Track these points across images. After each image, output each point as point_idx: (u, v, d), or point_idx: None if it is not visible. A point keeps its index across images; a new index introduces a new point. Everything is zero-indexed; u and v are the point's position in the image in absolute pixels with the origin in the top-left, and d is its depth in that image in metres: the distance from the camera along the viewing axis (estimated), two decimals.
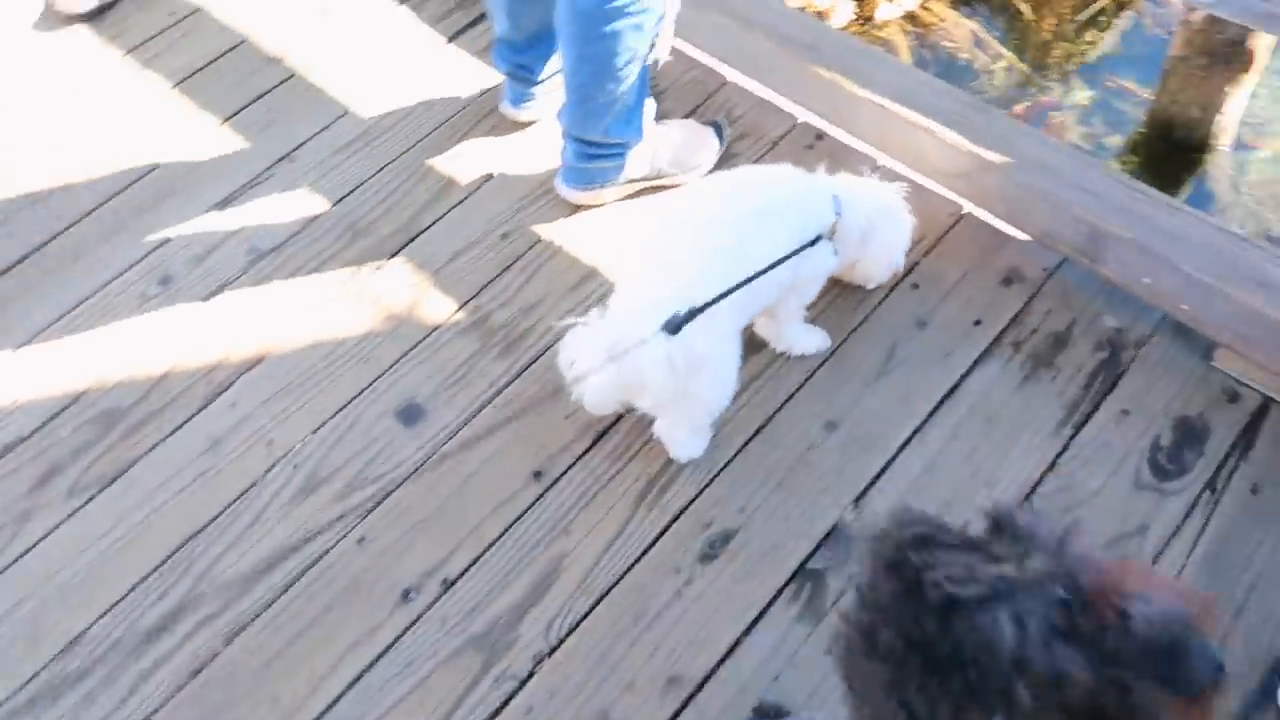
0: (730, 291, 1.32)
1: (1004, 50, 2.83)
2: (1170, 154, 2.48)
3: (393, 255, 1.85)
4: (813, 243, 1.47)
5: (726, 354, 1.43)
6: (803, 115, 1.99)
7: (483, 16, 2.22)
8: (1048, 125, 2.78)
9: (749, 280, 1.35)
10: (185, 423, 1.66)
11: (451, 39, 2.21)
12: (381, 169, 1.99)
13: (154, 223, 1.94)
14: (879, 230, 1.59)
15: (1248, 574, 1.43)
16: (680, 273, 1.37)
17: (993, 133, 1.72)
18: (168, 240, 1.91)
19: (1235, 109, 2.30)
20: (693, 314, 1.28)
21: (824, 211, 1.51)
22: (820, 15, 2.78)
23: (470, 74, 2.12)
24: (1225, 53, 2.13)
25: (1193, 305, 1.57)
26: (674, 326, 1.27)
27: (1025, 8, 2.87)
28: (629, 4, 1.57)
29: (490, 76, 2.10)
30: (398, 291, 1.80)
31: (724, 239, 1.40)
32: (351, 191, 1.96)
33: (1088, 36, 2.86)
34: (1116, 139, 2.75)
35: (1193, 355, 1.63)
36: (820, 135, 1.97)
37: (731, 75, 2.08)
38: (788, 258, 1.42)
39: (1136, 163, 2.60)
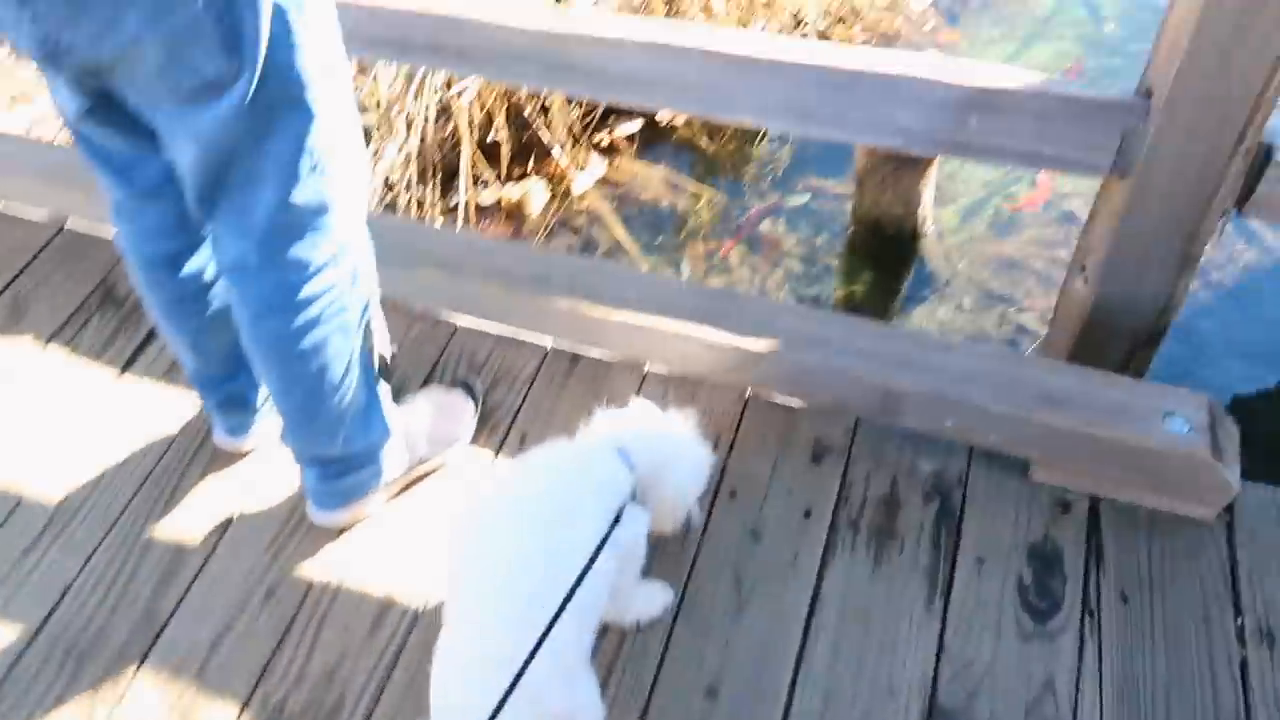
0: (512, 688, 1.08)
1: (699, 185, 2.87)
2: (885, 247, 2.57)
3: (138, 668, 1.49)
4: (616, 520, 1.29)
5: (585, 685, 1.22)
6: (552, 341, 1.86)
7: (153, 332, 1.92)
8: (765, 242, 2.82)
9: (553, 621, 1.14)
10: None
11: (125, 368, 1.89)
12: (88, 560, 1.62)
13: None
14: (668, 472, 1.41)
15: (1159, 691, 1.39)
16: (491, 632, 1.16)
17: (751, 319, 1.65)
18: None
19: (930, 196, 2.43)
20: None
21: (618, 476, 1.34)
22: (517, 206, 2.69)
23: (160, 405, 1.81)
24: (908, 157, 2.23)
25: (997, 434, 1.56)
26: None
27: (703, 140, 2.93)
28: (320, 312, 1.35)
29: (187, 401, 1.80)
30: (159, 715, 1.45)
31: (527, 571, 1.19)
32: (58, 601, 1.57)
33: (765, 150, 2.96)
34: (825, 238, 2.84)
35: (1013, 475, 1.62)
36: (575, 358, 1.84)
37: (462, 320, 1.91)
38: (596, 555, 1.22)
39: (856, 261, 2.68)
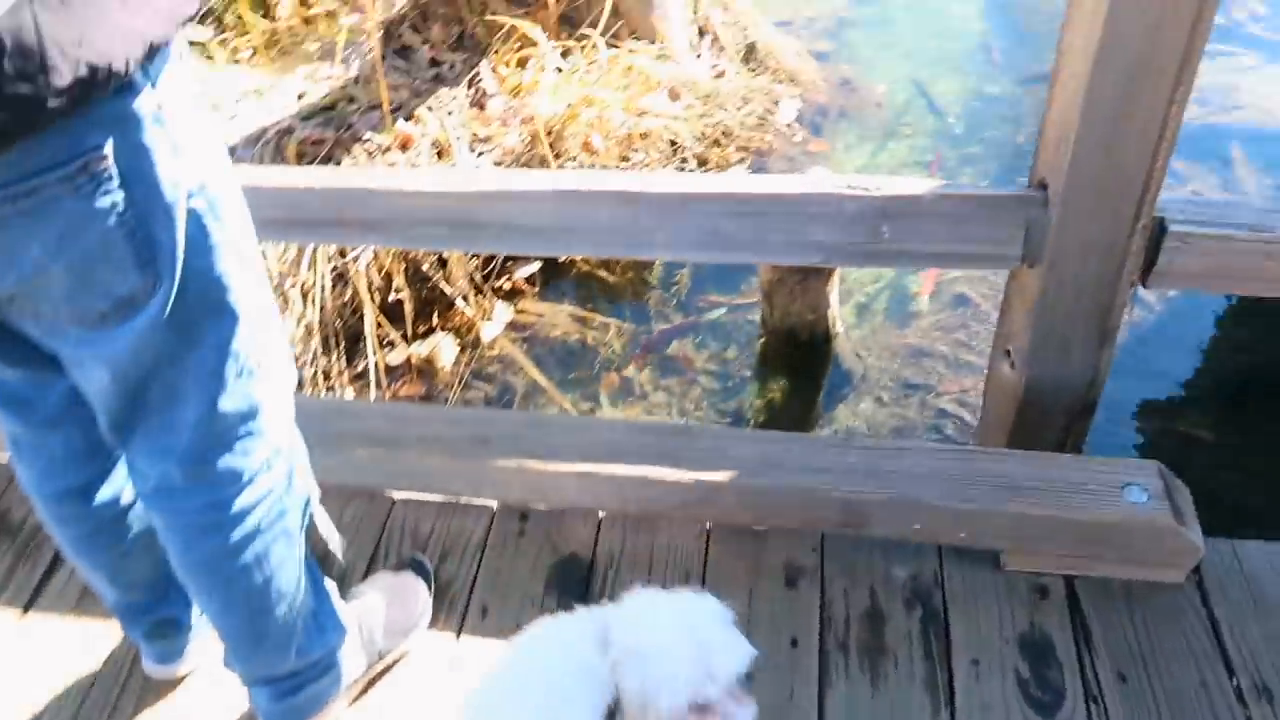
0: None
1: (603, 317, 2.87)
2: (800, 354, 2.62)
3: None
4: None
5: None
6: (498, 499, 1.78)
7: (57, 558, 1.75)
8: (677, 363, 2.83)
9: None
10: None
11: (29, 606, 1.71)
12: None
13: None
14: (666, 661, 1.09)
15: None
16: None
17: (704, 451, 1.63)
18: None
19: (836, 299, 2.49)
20: None
21: (594, 667, 1.13)
22: (427, 362, 2.63)
23: (76, 640, 1.63)
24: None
25: (965, 531, 1.56)
26: None
27: (601, 271, 2.95)
28: (258, 523, 1.24)
29: (107, 630, 1.63)
30: None
31: None
32: None
33: (663, 274, 2.99)
34: (734, 351, 2.87)
35: (986, 568, 1.61)
36: (524, 515, 1.77)
37: (399, 492, 1.82)
38: None
39: (771, 370, 2.72)
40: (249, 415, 1.20)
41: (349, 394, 2.58)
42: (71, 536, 1.36)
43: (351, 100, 3.16)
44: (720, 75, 3.34)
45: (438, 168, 2.77)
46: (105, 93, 0.88)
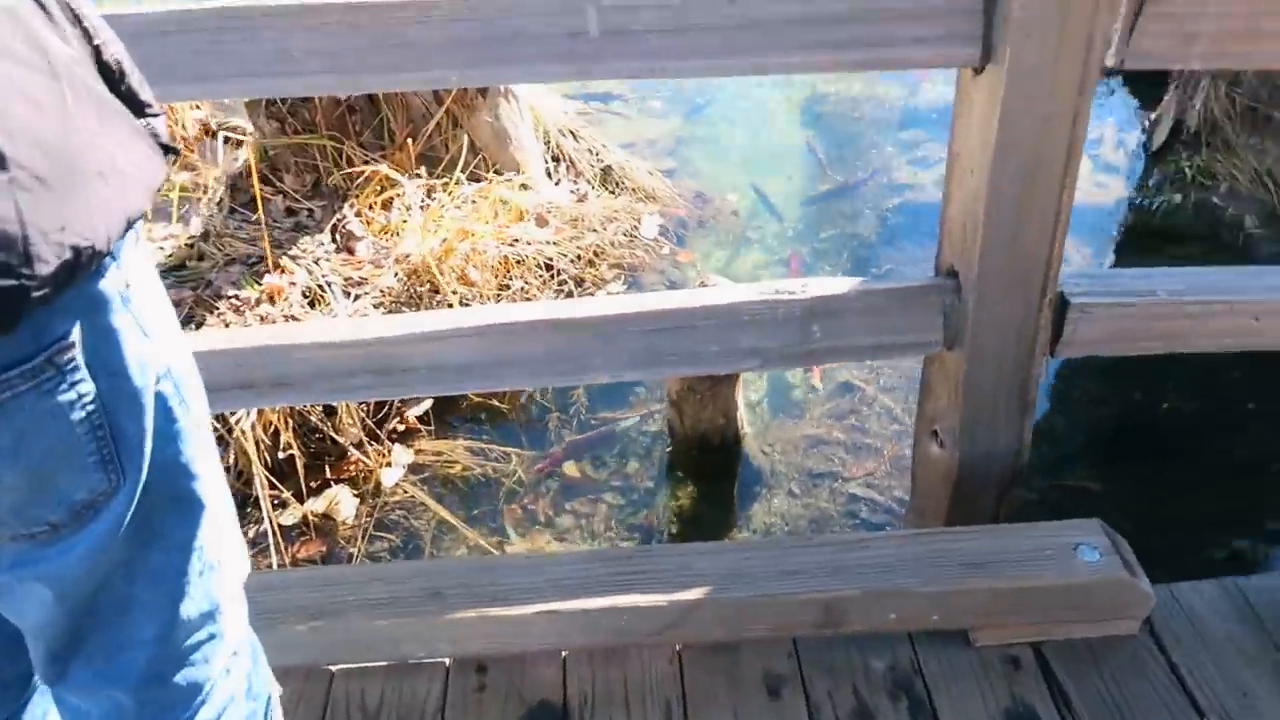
0: None
1: (502, 446, 2.81)
2: (711, 459, 2.63)
3: None
4: None
5: None
6: (451, 655, 1.67)
7: None
8: (578, 485, 2.79)
9: None
10: None
11: None
12: None
13: None
14: None
15: None
16: None
17: (669, 569, 1.59)
18: None
19: (742, 399, 2.53)
20: None
21: None
22: (325, 518, 2.48)
23: None
24: None
25: (940, 614, 1.59)
26: None
27: (494, 401, 2.90)
28: None
29: None
30: None
31: None
32: None
33: (555, 397, 2.97)
34: (635, 464, 2.86)
35: (958, 647, 1.64)
36: (481, 667, 1.66)
37: (336, 664, 1.68)
38: None
39: (681, 478, 2.72)
40: (209, 617, 1.06)
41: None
42: None
43: (202, 257, 3.03)
44: (582, 199, 3.42)
45: (339, 316, 2.68)
46: (87, 274, 0.80)
